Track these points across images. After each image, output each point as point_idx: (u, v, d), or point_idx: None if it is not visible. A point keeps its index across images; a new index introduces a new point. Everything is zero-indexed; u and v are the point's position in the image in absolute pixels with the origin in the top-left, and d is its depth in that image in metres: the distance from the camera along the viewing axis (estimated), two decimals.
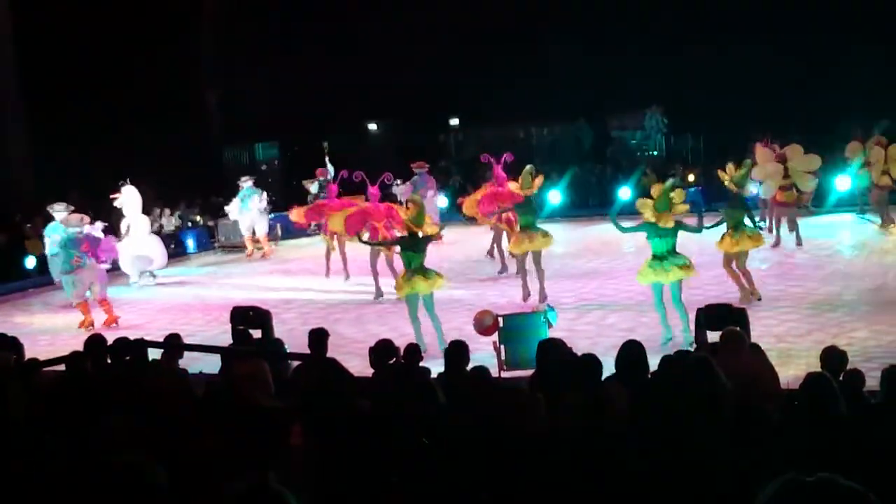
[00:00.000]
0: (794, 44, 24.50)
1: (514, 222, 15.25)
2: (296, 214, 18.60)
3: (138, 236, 18.12)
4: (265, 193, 21.56)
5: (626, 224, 11.72)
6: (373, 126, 32.65)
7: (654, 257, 11.30)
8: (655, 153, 29.22)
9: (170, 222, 23.60)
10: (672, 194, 11.14)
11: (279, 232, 23.58)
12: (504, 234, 16.61)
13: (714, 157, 22.75)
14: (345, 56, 27.66)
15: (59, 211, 16.40)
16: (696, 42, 25.42)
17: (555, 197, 22.92)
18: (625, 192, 24.43)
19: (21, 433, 3.51)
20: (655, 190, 11.27)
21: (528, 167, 14.66)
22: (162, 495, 2.91)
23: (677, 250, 11.38)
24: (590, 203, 25.27)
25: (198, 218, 24.20)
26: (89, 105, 24.60)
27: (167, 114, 25.32)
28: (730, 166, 13.50)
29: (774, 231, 17.61)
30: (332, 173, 19.47)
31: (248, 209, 21.05)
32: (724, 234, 13.23)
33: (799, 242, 17.11)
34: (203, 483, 3.85)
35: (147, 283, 18.46)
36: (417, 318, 11.59)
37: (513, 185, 15.01)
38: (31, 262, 19.45)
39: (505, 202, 15.89)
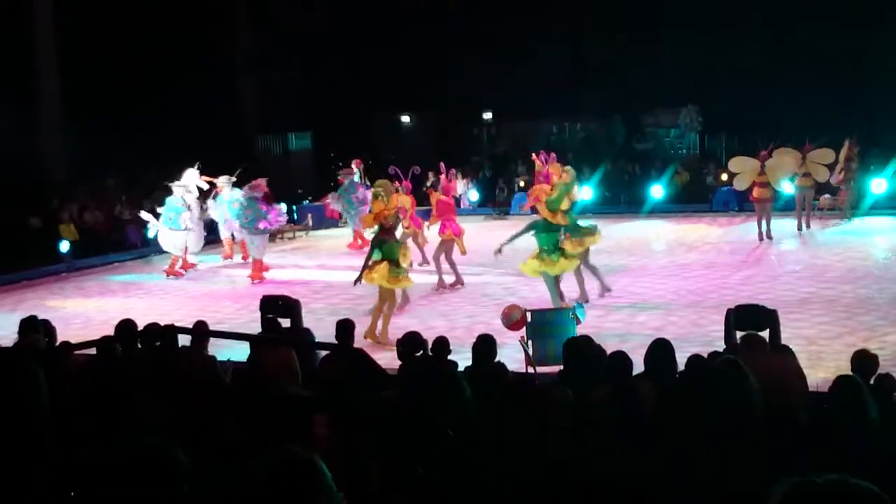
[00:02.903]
0: (832, 43, 24.20)
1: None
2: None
3: (195, 218, 18.59)
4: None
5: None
6: (406, 119, 32.64)
7: (542, 250, 12.05)
8: (687, 151, 29.02)
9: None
10: (565, 198, 12.05)
11: (310, 222, 23.67)
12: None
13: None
14: (380, 48, 27.68)
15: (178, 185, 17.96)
16: (733, 40, 25.23)
17: (586, 193, 22.84)
18: (657, 191, 24.29)
19: (44, 417, 3.53)
20: (547, 191, 12.06)
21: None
22: (183, 477, 2.93)
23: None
24: (621, 200, 25.17)
25: None
26: (124, 91, 24.76)
27: (202, 100, 25.42)
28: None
29: (757, 228, 18.23)
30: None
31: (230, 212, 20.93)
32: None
33: (769, 236, 18.02)
34: (227, 468, 3.87)
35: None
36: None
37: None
38: (64, 246, 19.61)
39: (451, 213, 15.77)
